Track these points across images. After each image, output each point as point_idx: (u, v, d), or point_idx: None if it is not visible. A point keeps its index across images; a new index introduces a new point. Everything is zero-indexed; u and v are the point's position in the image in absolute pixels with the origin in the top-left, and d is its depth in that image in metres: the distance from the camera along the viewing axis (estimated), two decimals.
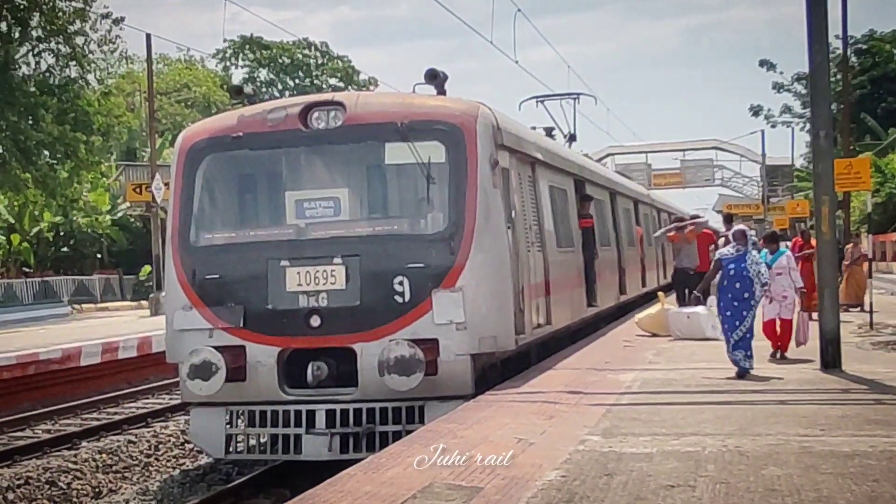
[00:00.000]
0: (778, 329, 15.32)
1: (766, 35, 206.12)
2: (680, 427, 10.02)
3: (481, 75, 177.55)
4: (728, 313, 13.82)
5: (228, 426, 13.23)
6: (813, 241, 17.13)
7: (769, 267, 14.54)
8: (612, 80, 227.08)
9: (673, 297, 22.09)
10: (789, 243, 22.52)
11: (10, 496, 13.82)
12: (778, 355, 15.22)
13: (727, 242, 18.28)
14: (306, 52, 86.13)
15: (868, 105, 57.11)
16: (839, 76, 43.55)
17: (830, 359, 13.76)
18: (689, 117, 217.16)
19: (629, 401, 11.70)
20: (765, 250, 15.30)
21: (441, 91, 14.23)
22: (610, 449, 9.07)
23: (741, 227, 15.33)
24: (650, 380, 13.34)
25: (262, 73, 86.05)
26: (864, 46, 62.04)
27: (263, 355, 12.90)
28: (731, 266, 13.83)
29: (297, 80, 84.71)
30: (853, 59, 56.89)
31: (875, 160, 44.46)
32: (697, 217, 24.63)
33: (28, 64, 40.99)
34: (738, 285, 13.76)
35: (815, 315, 14.85)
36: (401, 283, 12.64)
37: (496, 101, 14.12)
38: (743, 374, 13.49)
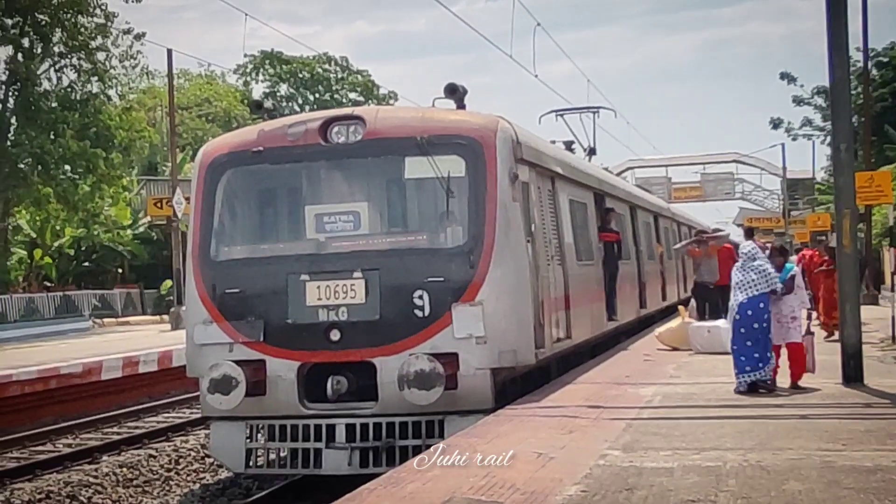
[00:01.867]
0: (785, 356, 13.99)
1: (783, 49, 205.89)
2: (700, 441, 9.99)
3: (498, 89, 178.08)
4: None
5: (248, 440, 13.24)
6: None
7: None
8: (630, 93, 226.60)
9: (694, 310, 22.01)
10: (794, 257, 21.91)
11: None
12: (787, 385, 13.71)
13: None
14: (326, 66, 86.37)
15: (890, 117, 56.76)
16: (860, 89, 43.39)
17: (852, 373, 13.68)
18: (709, 131, 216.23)
19: (649, 415, 11.67)
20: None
21: (461, 105, 14.25)
22: (630, 464, 9.04)
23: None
24: (671, 394, 13.30)
25: (283, 88, 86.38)
26: (886, 59, 61.74)
27: (283, 369, 12.92)
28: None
29: (317, 95, 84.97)
30: (874, 71, 56.58)
31: None
32: (719, 231, 24.59)
33: (49, 79, 41.39)
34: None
35: (836, 335, 14.24)
36: (420, 298, 12.64)
37: (515, 115, 14.06)
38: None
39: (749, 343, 13.16)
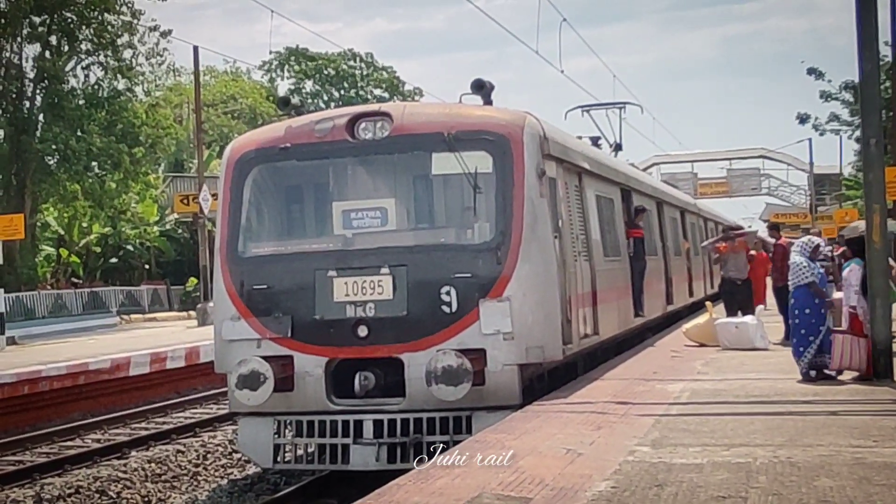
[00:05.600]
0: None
1: (805, 44, 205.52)
2: (730, 438, 9.95)
3: (520, 86, 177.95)
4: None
5: (276, 436, 13.26)
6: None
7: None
8: (654, 89, 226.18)
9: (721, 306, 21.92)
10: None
11: None
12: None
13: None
14: (351, 63, 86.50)
15: None
16: (889, 83, 43.04)
17: (882, 369, 13.58)
18: (735, 126, 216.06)
19: (678, 411, 11.63)
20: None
21: (487, 101, 14.22)
22: (660, 460, 9.01)
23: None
24: (699, 390, 13.25)
25: (308, 85, 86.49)
26: None
27: (311, 365, 12.94)
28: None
29: (342, 91, 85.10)
30: None
31: None
32: (741, 228, 24.47)
33: (76, 77, 41.70)
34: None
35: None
36: (448, 293, 12.63)
37: (538, 111, 14.05)
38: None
39: (802, 331, 13.86)
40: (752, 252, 21.59)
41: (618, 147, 25.69)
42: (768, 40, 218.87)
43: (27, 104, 40.15)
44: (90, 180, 41.12)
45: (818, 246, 14.66)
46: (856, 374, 13.80)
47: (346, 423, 12.84)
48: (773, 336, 18.67)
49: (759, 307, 20.07)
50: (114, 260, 52.81)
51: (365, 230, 13.28)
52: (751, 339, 18.11)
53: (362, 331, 12.83)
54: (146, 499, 14.85)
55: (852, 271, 14.01)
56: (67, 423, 19.95)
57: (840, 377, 13.90)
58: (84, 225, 48.74)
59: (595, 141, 22.74)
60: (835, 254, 18.72)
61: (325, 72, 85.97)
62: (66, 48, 40.81)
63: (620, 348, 18.51)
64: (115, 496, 14.63)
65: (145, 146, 42.88)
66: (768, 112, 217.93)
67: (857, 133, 55.94)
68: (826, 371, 13.90)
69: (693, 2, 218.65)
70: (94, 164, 41.14)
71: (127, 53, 42.05)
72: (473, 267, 12.71)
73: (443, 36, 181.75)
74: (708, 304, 21.67)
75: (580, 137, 19.79)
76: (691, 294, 28.14)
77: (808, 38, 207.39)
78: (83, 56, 41.55)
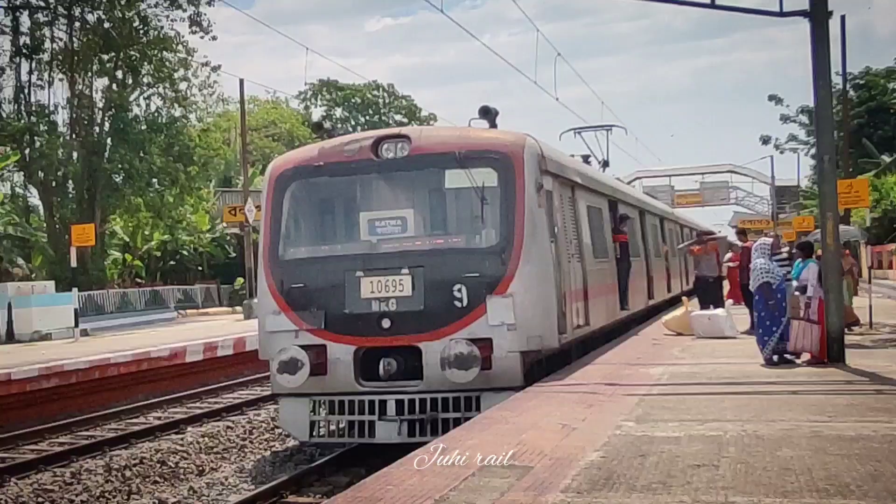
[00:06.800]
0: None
1: (767, 74, 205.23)
2: (704, 414, 9.92)
3: (520, 111, 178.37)
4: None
5: (312, 414, 13.32)
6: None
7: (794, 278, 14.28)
8: (638, 113, 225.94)
9: (695, 300, 21.87)
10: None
11: (128, 474, 14.00)
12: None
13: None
14: (375, 92, 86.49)
15: (866, 132, 56.34)
16: (840, 108, 42.96)
17: (835, 354, 13.56)
18: (706, 145, 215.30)
19: (659, 391, 11.60)
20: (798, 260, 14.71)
21: (493, 124, 14.23)
22: (643, 433, 8.99)
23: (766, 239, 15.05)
24: (677, 373, 13.22)
25: (338, 111, 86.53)
26: (862, 81, 61.22)
27: (342, 353, 12.97)
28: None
29: (367, 117, 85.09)
30: (852, 92, 56.09)
31: (872, 181, 43.77)
32: (712, 234, 24.41)
33: (139, 105, 41.79)
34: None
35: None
36: (459, 290, 12.64)
37: (537, 133, 14.05)
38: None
39: (767, 323, 13.92)
40: (730, 254, 21.54)
41: (605, 164, 25.66)
42: (734, 71, 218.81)
43: (97, 130, 40.23)
44: (151, 195, 41.19)
45: (773, 244, 14.69)
46: (809, 356, 13.80)
47: (371, 402, 12.86)
48: (740, 326, 18.61)
49: (728, 301, 20.05)
50: (171, 263, 52.95)
51: (388, 236, 13.30)
52: (721, 329, 18.08)
53: (386, 323, 12.85)
54: (200, 468, 14.86)
55: (811, 269, 14.04)
56: (132, 404, 19.99)
57: (798, 360, 13.87)
58: (146, 233, 48.85)
59: (586, 158, 22.71)
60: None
61: (353, 100, 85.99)
62: (131, 81, 40.90)
63: (609, 337, 18.46)
64: (173, 466, 14.65)
65: (198, 165, 42.94)
66: (735, 133, 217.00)
67: (813, 151, 55.84)
68: (786, 356, 13.87)
69: (669, 38, 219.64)
70: (154, 180, 41.22)
71: (182, 85, 42.15)
72: (481, 267, 12.72)
73: (453, 68, 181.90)
74: (684, 298, 21.65)
75: (573, 155, 19.75)
76: (669, 290, 28.07)
77: (768, 69, 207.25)
78: (145, 88, 41.64)
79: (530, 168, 13.08)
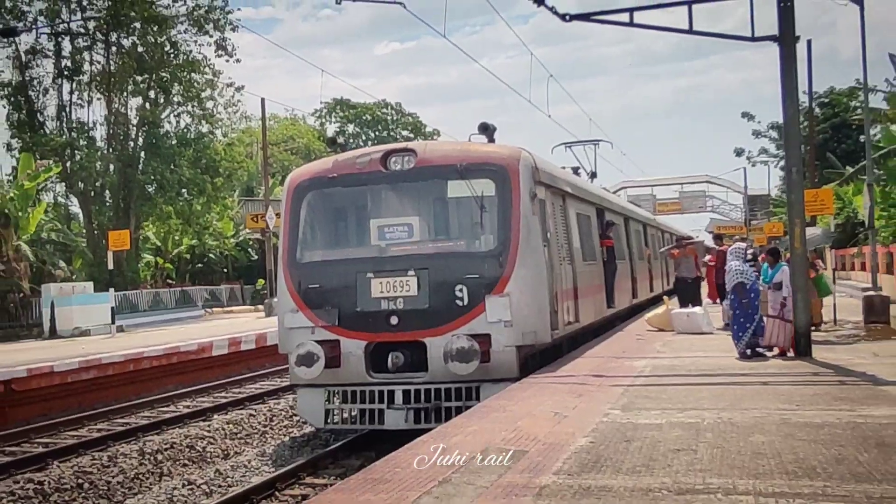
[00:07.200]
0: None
1: (740, 92, 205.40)
2: (683, 403, 9.92)
3: (516, 127, 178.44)
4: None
5: (327, 403, 13.31)
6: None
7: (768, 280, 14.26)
8: (623, 129, 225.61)
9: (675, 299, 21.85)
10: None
11: (160, 457, 14.00)
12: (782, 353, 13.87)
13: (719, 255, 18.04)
14: (384, 110, 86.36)
15: (830, 146, 56.23)
16: (806, 124, 42.88)
17: (803, 348, 13.56)
18: (685, 157, 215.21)
19: (642, 382, 11.60)
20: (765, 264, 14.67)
21: (491, 139, 14.24)
22: (628, 420, 8.99)
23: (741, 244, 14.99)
24: (658, 366, 13.21)
25: (350, 128, 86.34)
26: (826, 100, 61.13)
27: (354, 347, 12.96)
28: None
29: (376, 133, 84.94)
30: (817, 110, 56.00)
31: (836, 190, 43.69)
32: (691, 238, 24.41)
33: (170, 122, 41.75)
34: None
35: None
36: (460, 290, 12.64)
37: (531, 147, 14.06)
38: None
39: (741, 320, 13.88)
40: (708, 256, 21.51)
41: (593, 175, 25.70)
42: (710, 90, 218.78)
43: (132, 144, 40.22)
44: (181, 203, 41.19)
45: (747, 248, 14.72)
46: (778, 351, 13.81)
47: (381, 392, 12.86)
48: (716, 323, 18.61)
49: (706, 300, 20.02)
50: (199, 265, 52.86)
51: (395, 241, 13.29)
52: (699, 326, 18.06)
53: (394, 320, 12.85)
54: (225, 452, 14.88)
55: (784, 272, 14.03)
56: (164, 394, 19.99)
57: (769, 354, 13.85)
58: (176, 238, 48.83)
59: (575, 170, 22.75)
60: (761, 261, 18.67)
61: (364, 117, 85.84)
62: (162, 100, 40.89)
63: (597, 333, 18.46)
64: (201, 450, 14.66)
65: (224, 177, 42.91)
66: (711, 146, 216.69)
67: (782, 163, 55.68)
68: (758, 350, 13.86)
69: (652, 60, 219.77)
70: (183, 190, 41.20)
71: (209, 104, 42.10)
72: (480, 269, 12.71)
73: (455, 88, 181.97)
74: (665, 297, 21.61)
75: (564, 167, 19.77)
76: (651, 290, 28.04)
77: (741, 88, 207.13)
78: (175, 106, 41.61)
79: (525, 179, 13.08)
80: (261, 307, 42.28)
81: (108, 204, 40.08)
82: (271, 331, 24.64)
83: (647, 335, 18.27)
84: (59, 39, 38.54)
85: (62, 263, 39.30)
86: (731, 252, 14.56)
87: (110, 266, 31.79)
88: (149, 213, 41.39)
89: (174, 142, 40.70)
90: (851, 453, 7.22)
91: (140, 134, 40.54)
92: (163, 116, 41.14)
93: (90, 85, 39.30)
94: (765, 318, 13.85)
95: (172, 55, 39.96)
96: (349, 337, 12.98)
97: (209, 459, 14.42)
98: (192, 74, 40.64)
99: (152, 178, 39.73)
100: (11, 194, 35.61)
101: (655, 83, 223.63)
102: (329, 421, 13.39)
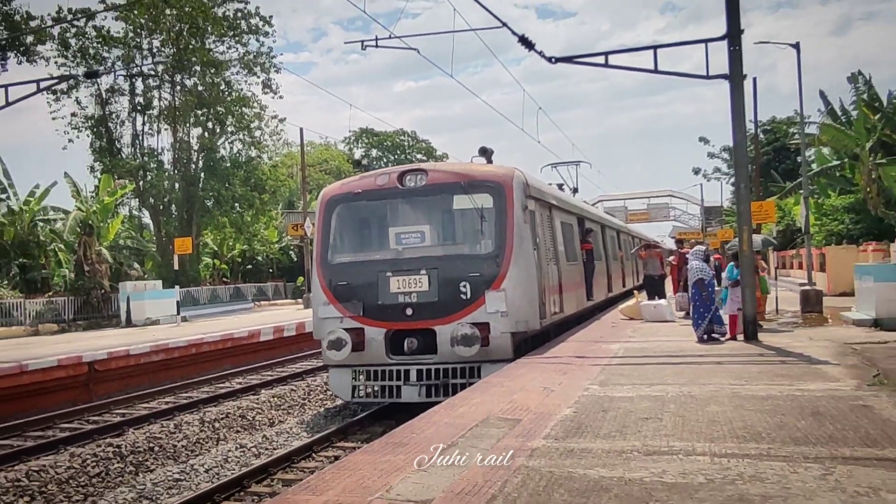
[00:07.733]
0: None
1: (696, 121, 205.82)
2: (650, 379, 9.87)
3: (510, 150, 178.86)
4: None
5: (353, 380, 13.29)
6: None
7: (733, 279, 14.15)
8: (600, 151, 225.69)
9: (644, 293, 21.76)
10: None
11: (217, 425, 13.99)
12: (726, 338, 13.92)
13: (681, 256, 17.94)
14: (402, 137, 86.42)
15: (773, 165, 56.14)
16: (752, 147, 42.75)
17: (751, 333, 13.48)
18: (652, 175, 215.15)
19: (617, 362, 11.55)
20: (731, 264, 14.48)
21: (489, 160, 14.23)
22: (604, 394, 8.95)
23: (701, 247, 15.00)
24: (630, 348, 13.15)
25: (374, 152, 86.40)
26: (769, 127, 61.01)
27: (376, 334, 12.95)
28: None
29: (395, 156, 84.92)
30: (762, 136, 55.86)
31: (777, 202, 43.58)
32: (657, 242, 24.31)
33: (225, 148, 41.78)
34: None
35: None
36: (465, 286, 12.62)
37: (523, 167, 14.07)
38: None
39: (700, 310, 13.82)
40: (672, 257, 21.40)
41: (575, 190, 25.61)
42: (672, 119, 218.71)
43: (193, 167, 40.29)
44: (234, 215, 41.23)
45: (705, 250, 14.69)
46: (730, 335, 13.73)
47: (398, 371, 12.83)
48: (678, 313, 18.50)
49: (669, 294, 19.91)
50: (249, 266, 52.86)
51: (410, 246, 13.28)
52: (664, 315, 17.99)
53: (409, 311, 12.83)
54: (271, 420, 14.86)
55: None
56: (220, 373, 20.00)
57: (722, 339, 13.77)
58: (230, 244, 48.88)
59: (560, 186, 22.64)
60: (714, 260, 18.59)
61: (385, 143, 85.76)
62: (218, 130, 40.95)
63: (578, 321, 18.40)
64: (251, 419, 14.64)
65: (269, 193, 42.94)
66: (673, 166, 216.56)
67: (732, 180, 55.64)
68: (714, 335, 13.79)
69: (623, 95, 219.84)
70: (236, 205, 41.23)
71: (257, 133, 42.09)
72: (481, 269, 12.69)
73: (460, 119, 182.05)
74: (636, 291, 21.54)
75: (550, 184, 19.71)
76: (624, 285, 27.94)
77: (697, 118, 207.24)
78: (229, 135, 41.62)
79: (518, 194, 13.05)
80: (300, 301, 42.30)
81: (173, 216, 40.16)
82: (308, 320, 24.63)
83: (620, 323, 18.20)
84: (133, 80, 38.70)
85: (136, 265, 39.43)
86: (692, 253, 14.53)
87: (175, 267, 31.87)
88: (207, 224, 41.47)
89: (228, 164, 40.75)
90: (791, 421, 7.16)
91: (200, 158, 40.62)
92: (219, 143, 41.20)
93: (159, 118, 39.42)
94: (731, 313, 13.82)
95: (227, 93, 40.04)
96: (371, 325, 12.97)
97: (258, 427, 14.41)
98: (243, 109, 40.70)
99: (210, 194, 39.83)
100: (94, 208, 35.91)
101: (626, 114, 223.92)
102: (355, 395, 13.38)
